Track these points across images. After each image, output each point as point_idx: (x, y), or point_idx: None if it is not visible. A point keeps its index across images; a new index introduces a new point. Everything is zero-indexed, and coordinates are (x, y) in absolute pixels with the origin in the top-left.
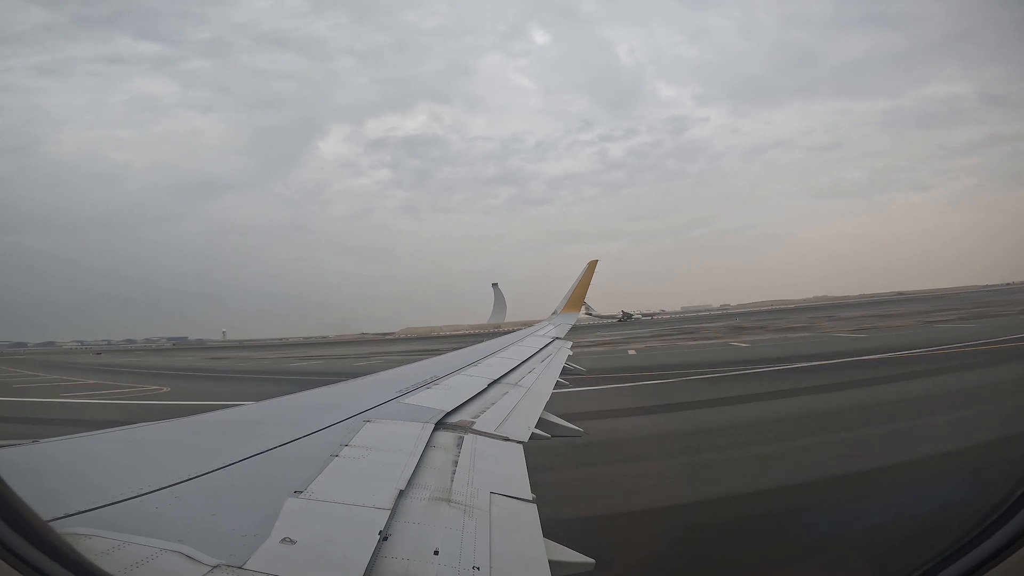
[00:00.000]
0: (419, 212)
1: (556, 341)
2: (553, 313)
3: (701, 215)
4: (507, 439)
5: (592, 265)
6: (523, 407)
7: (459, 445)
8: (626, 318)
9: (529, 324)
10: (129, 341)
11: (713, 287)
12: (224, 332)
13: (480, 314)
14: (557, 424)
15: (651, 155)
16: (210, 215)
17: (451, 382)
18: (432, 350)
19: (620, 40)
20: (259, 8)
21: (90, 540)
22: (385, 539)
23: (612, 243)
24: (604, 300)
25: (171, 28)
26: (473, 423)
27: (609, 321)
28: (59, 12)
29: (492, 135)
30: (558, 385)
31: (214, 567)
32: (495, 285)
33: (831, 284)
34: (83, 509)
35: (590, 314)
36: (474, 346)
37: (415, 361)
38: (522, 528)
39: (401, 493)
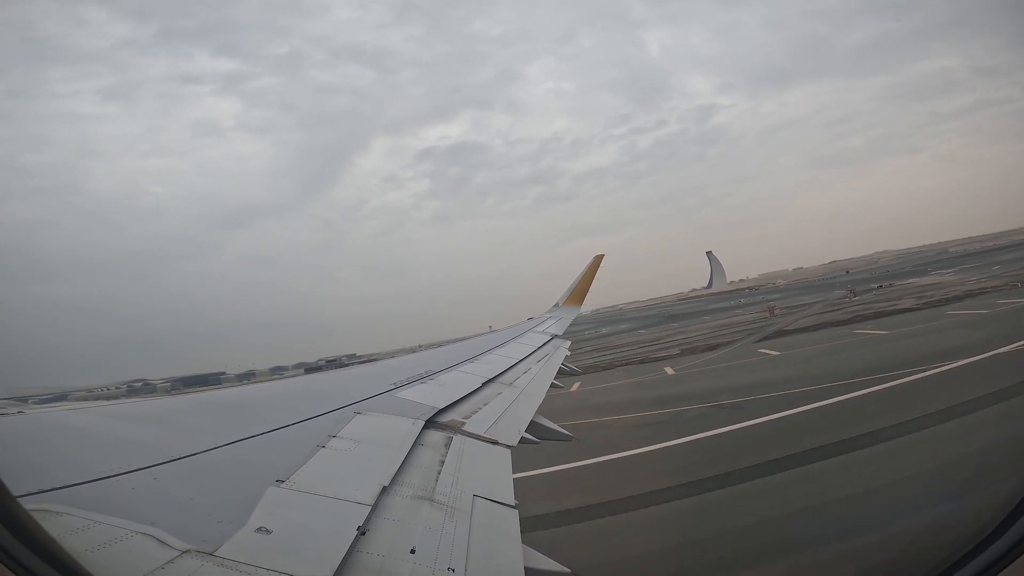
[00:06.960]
0: (450, 221)
1: (555, 340)
2: (555, 305)
3: (711, 195)
4: (496, 442)
5: (598, 260)
6: (515, 409)
7: (447, 445)
8: None
9: None
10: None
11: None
12: (491, 327)
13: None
14: (548, 428)
15: (676, 143)
16: (246, 243)
17: (446, 378)
18: None
19: (656, 39)
20: (342, 20)
21: (60, 518)
22: (363, 534)
23: (625, 231)
24: (606, 291)
25: (253, 42)
26: (464, 423)
27: None
28: (147, 24)
29: (531, 137)
30: (552, 387)
31: (184, 552)
32: (709, 253)
33: (830, 248)
34: (58, 486)
35: None
36: (472, 340)
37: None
38: (502, 533)
39: (384, 489)
